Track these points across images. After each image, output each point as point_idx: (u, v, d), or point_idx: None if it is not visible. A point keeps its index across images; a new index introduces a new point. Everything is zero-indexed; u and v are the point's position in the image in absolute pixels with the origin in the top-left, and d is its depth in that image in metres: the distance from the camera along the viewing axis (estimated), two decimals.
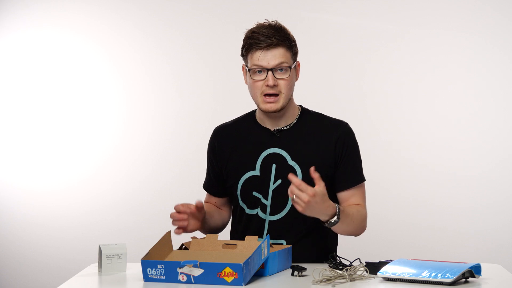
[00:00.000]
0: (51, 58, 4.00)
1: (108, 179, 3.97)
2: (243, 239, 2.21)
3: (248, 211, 2.39)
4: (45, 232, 3.96)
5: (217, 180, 2.48)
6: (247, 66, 2.33)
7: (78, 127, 3.99)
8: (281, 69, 2.30)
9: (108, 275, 2.10)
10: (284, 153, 2.36)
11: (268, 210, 2.36)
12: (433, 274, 1.92)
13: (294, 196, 2.07)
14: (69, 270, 2.90)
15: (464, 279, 1.95)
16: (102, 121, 3.99)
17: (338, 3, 3.86)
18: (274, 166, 2.36)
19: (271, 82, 2.28)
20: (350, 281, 1.97)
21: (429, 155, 3.77)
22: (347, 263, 2.14)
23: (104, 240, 3.29)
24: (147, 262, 1.99)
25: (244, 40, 2.33)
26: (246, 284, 1.92)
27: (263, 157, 2.37)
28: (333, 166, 2.35)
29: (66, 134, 3.99)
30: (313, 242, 2.37)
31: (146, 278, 1.99)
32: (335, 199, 2.37)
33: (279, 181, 2.35)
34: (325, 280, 1.94)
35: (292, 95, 2.36)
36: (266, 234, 2.33)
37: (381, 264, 2.03)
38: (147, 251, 2.04)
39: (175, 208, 2.26)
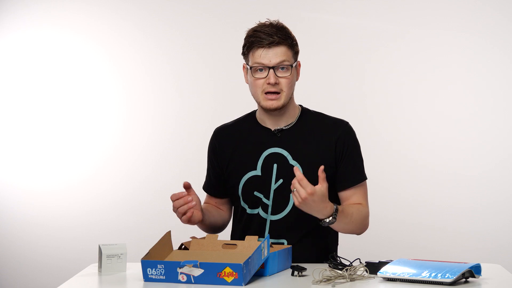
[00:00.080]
0: (51, 58, 4.01)
1: (108, 179, 3.97)
2: (243, 239, 2.21)
3: (249, 211, 2.39)
4: (45, 232, 3.96)
5: (217, 181, 2.48)
6: (248, 64, 2.33)
7: (78, 127, 3.99)
8: (282, 68, 2.29)
9: (108, 275, 2.10)
10: (285, 153, 2.35)
11: (269, 209, 2.36)
12: (433, 274, 1.92)
13: (295, 189, 2.08)
14: (69, 270, 2.91)
15: (464, 279, 1.95)
16: (102, 121, 3.99)
17: (338, 3, 3.86)
18: (275, 165, 2.36)
19: (272, 80, 2.28)
20: (350, 281, 1.97)
21: (429, 155, 3.76)
22: (347, 263, 2.14)
23: (104, 240, 3.29)
24: (147, 262, 1.99)
25: (245, 38, 2.33)
26: (246, 284, 1.92)
27: (264, 157, 2.37)
28: (334, 165, 2.35)
29: (66, 134, 3.99)
30: (313, 242, 2.37)
31: (146, 278, 1.99)
32: (336, 198, 2.37)
33: (281, 180, 2.35)
34: (325, 280, 1.94)
35: (292, 94, 2.36)
36: (267, 234, 2.33)
37: (381, 264, 2.03)
38: (147, 251, 2.04)
39: (174, 196, 2.24)
